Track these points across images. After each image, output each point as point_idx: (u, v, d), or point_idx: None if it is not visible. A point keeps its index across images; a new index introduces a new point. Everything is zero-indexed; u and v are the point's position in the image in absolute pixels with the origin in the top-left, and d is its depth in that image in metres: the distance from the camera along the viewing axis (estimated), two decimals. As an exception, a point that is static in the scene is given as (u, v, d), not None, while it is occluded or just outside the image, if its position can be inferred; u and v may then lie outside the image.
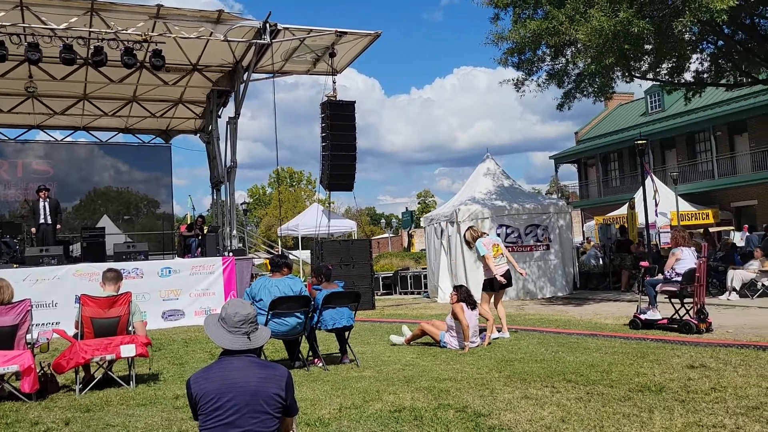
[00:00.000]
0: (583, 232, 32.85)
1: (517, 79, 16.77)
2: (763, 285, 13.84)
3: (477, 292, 9.87)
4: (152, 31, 14.42)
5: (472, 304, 8.85)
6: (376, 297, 18.19)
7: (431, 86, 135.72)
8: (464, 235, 10.39)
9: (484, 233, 10.35)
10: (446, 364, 7.58)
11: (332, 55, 16.87)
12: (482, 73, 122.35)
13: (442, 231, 18.12)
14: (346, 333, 8.24)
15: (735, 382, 5.79)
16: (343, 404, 5.67)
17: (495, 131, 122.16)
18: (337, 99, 16.77)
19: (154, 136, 22.68)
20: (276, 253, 22.45)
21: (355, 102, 16.88)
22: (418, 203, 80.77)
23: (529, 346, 8.59)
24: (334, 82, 17.00)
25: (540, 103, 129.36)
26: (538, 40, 14.38)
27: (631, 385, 5.88)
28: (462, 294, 8.79)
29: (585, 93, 16.40)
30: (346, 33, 16.21)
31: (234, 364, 2.84)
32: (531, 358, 7.63)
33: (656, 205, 21.23)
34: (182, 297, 14.38)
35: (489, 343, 8.92)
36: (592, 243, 24.30)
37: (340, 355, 8.29)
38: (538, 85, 16.76)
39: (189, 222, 21.14)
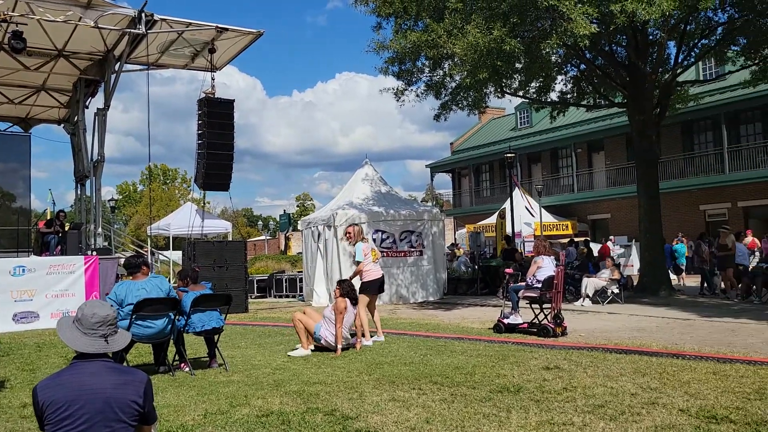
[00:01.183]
0: (455, 239, 34.06)
1: (397, 89, 17.15)
2: (612, 292, 15.00)
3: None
4: (12, 11, 13.35)
5: (354, 300, 8.92)
6: (250, 300, 17.87)
7: (313, 90, 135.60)
8: (348, 229, 10.28)
9: (365, 238, 10.43)
10: (317, 367, 7.58)
11: (212, 51, 16.42)
12: (364, 79, 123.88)
13: (319, 235, 18.13)
14: (216, 336, 8.03)
15: (584, 382, 6.24)
16: (209, 410, 5.52)
17: (375, 138, 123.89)
18: (216, 96, 16.33)
19: (11, 124, 20.97)
20: (141, 252, 21.46)
21: (234, 101, 16.54)
22: (297, 206, 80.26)
23: (399, 350, 8.78)
24: (213, 79, 16.57)
25: (419, 112, 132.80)
26: (417, 51, 14.79)
27: (492, 386, 6.17)
28: (345, 288, 8.83)
29: (460, 105, 17.06)
30: (227, 29, 15.84)
31: (88, 369, 2.66)
32: (400, 361, 7.80)
33: (532, 215, 22.48)
34: (37, 298, 13.41)
35: (361, 347, 9.02)
36: (462, 250, 25.24)
37: (208, 359, 8.06)
38: (417, 96, 17.24)
39: (48, 218, 19.72)
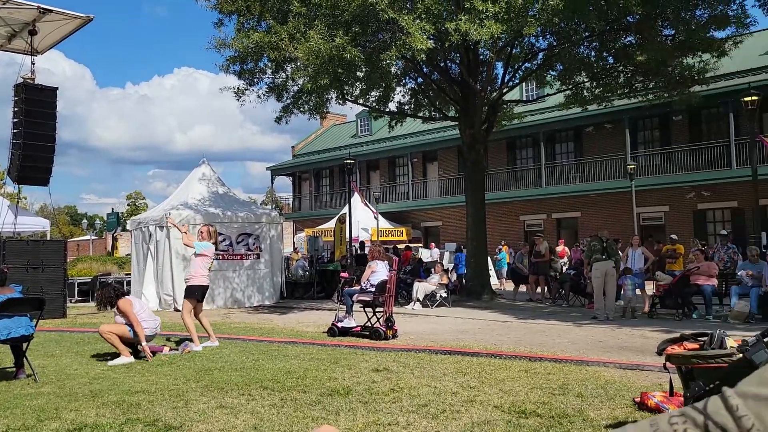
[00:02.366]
0: (294, 243, 33.98)
1: (239, 88, 16.80)
2: (441, 296, 15.78)
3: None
4: None
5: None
6: (70, 304, 16.54)
7: (149, 83, 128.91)
8: (203, 229, 9.75)
9: (216, 244, 9.94)
10: (140, 375, 7.20)
11: (33, 33, 15.03)
12: (204, 76, 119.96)
13: (150, 235, 17.22)
14: (24, 344, 7.34)
15: (410, 383, 6.50)
16: (11, 426, 5.03)
17: (215, 137, 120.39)
18: (36, 83, 14.97)
19: None
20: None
21: (57, 88, 15.24)
22: (128, 205, 75.64)
23: (231, 355, 8.58)
24: (33, 63, 15.14)
25: (261, 114, 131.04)
26: (260, 52, 14.61)
27: (323, 389, 6.23)
28: (110, 291, 8.47)
29: (302, 109, 17.09)
30: (51, 11, 14.59)
31: None
32: (231, 367, 7.63)
33: (376, 218, 22.90)
34: None
35: (189, 352, 8.70)
36: (300, 254, 25.24)
37: (15, 369, 7.34)
38: (259, 97, 17.01)
39: None
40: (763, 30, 24.94)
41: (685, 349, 3.90)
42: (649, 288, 14.20)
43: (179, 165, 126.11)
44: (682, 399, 4.41)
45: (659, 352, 3.99)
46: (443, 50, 15.98)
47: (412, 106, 20.03)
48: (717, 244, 15.96)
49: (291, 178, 43.22)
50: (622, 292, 13.50)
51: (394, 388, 6.25)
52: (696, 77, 16.78)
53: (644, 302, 13.69)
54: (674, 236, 17.11)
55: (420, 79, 19.06)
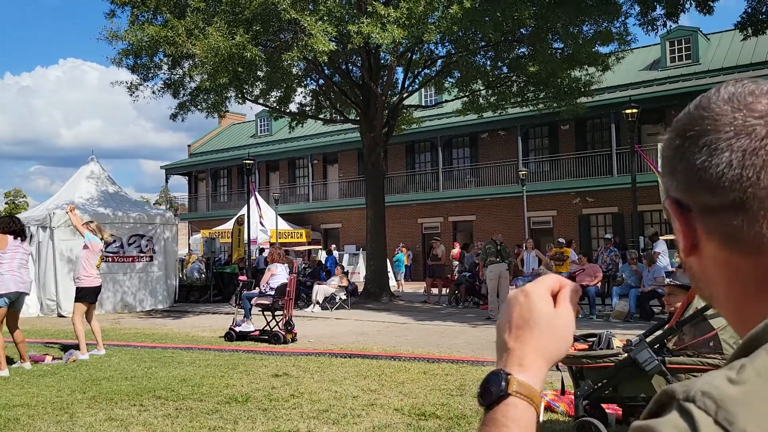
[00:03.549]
0: (189, 244, 32.93)
1: (132, 83, 16.08)
2: (340, 298, 15.79)
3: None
4: None
5: None
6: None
7: (31, 74, 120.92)
8: (93, 224, 9.14)
9: (105, 240, 9.31)
10: (20, 388, 6.72)
11: None
12: (93, 68, 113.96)
13: (31, 237, 16.10)
14: None
15: (311, 387, 6.45)
16: None
17: (105, 133, 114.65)
18: None
19: None
20: None
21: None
22: (6, 203, 70.48)
23: (120, 363, 8.18)
24: None
25: (155, 110, 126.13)
26: (155, 46, 14.06)
27: (220, 397, 6.07)
28: None
29: (199, 107, 16.60)
30: None
31: None
32: (121, 376, 7.27)
33: (262, 224, 22.55)
34: None
35: (74, 360, 8.22)
36: (195, 256, 24.49)
37: None
38: (153, 92, 16.37)
39: None
40: (643, 47, 26.77)
41: (575, 349, 4.10)
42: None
43: (65, 162, 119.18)
44: (573, 397, 4.63)
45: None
46: (345, 53, 16.02)
47: (314, 107, 19.94)
48: (600, 248, 16.93)
49: (187, 178, 41.84)
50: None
51: (294, 393, 6.19)
52: (582, 89, 17.73)
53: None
54: (562, 240, 18.02)
55: (321, 81, 19.01)
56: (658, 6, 14.52)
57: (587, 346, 4.13)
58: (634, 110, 15.30)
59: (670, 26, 16.54)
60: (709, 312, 3.70)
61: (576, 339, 4.30)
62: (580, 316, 11.94)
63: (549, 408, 5.10)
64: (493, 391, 0.73)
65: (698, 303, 3.74)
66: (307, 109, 20.08)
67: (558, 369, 4.39)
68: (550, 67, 15.82)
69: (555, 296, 0.80)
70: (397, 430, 4.78)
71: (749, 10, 14.10)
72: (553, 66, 15.90)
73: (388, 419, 5.13)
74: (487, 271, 13.41)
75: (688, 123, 0.68)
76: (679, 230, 0.70)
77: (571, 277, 13.77)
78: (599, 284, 13.89)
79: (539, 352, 0.76)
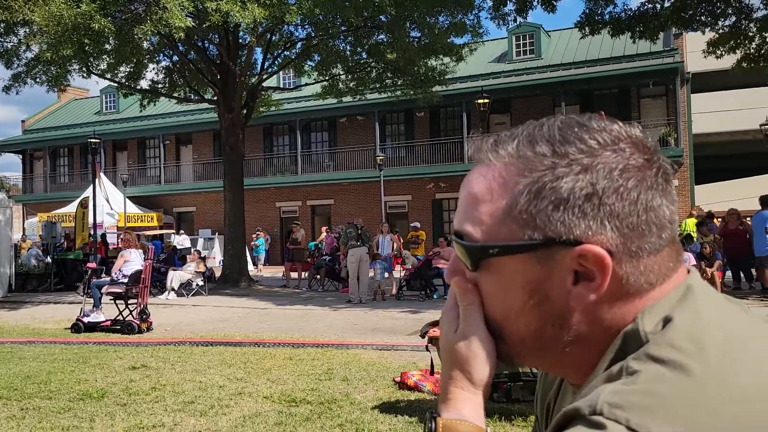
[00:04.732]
0: (24, 228, 30.22)
1: (-48, 48, 14.38)
2: (197, 284, 15.27)
3: None
4: None
5: None
6: None
7: None
8: None
9: None
10: None
11: None
12: None
13: None
14: None
15: (173, 379, 6.21)
16: None
17: None
18: None
19: None
20: None
21: None
22: None
23: (-51, 362, 7.38)
24: None
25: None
26: (-16, 9, 12.64)
27: (72, 393, 5.67)
28: None
29: (38, 80, 15.21)
30: None
31: None
32: (-48, 377, 6.57)
33: (110, 207, 21.18)
34: None
35: None
36: (32, 241, 22.55)
37: None
38: (-20, 61, 14.74)
39: None
40: (494, 40, 28.19)
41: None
42: (396, 272, 15.32)
43: None
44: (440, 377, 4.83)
45: (423, 335, 4.33)
46: (202, 30, 15.37)
47: (167, 85, 18.97)
48: (454, 231, 17.70)
49: (21, 156, 38.22)
50: (372, 275, 14.33)
51: (155, 386, 5.93)
52: (437, 78, 18.37)
53: (392, 285, 14.71)
54: (417, 224, 18.65)
55: (176, 58, 18.12)
56: (509, 2, 15.31)
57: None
58: (486, 100, 16.12)
59: (520, 21, 17.56)
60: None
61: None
62: (435, 296, 12.45)
63: (416, 388, 5.29)
64: None
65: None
66: (160, 86, 19.08)
67: (428, 350, 4.57)
68: (407, 55, 16.21)
69: None
70: (268, 419, 4.74)
71: (587, 11, 15.28)
72: (411, 54, 16.31)
73: (258, 407, 5.07)
74: (349, 255, 13.58)
75: None
76: None
77: (428, 259, 14.32)
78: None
79: (456, 382, 0.71)
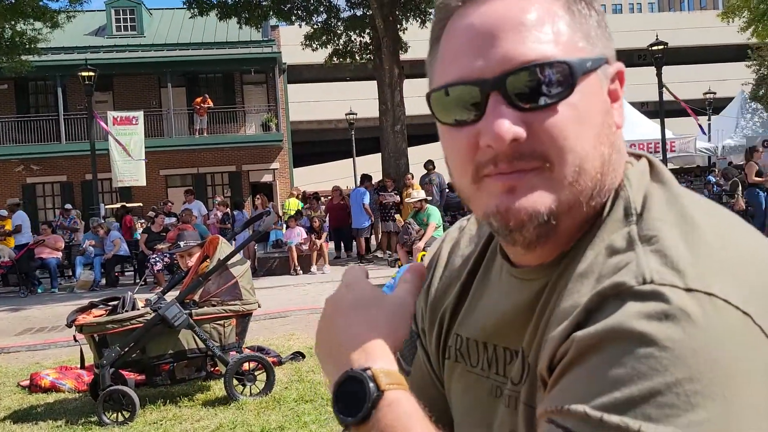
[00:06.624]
0: None
1: None
2: None
3: None
4: None
5: None
6: None
7: None
8: None
9: None
10: None
11: None
12: None
13: None
14: None
15: None
16: None
17: None
18: None
19: None
20: None
21: None
22: None
23: None
24: None
25: None
26: None
27: None
28: None
29: None
30: None
31: None
32: None
33: None
34: None
35: None
36: None
37: None
38: None
39: None
40: (96, 11, 25.97)
41: (95, 316, 3.86)
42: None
43: None
44: (82, 371, 4.38)
45: (70, 324, 3.83)
46: None
47: None
48: (59, 217, 15.98)
49: None
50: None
51: None
52: (28, 45, 16.16)
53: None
54: (3, 212, 16.22)
55: None
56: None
57: (107, 312, 3.93)
58: (91, 73, 14.83)
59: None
60: (231, 261, 3.99)
61: (95, 305, 4.04)
62: (40, 290, 11.13)
63: (54, 388, 4.64)
64: (362, 398, 0.55)
65: (220, 255, 4.00)
66: None
67: (76, 341, 4.03)
68: (-10, 16, 13.88)
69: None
70: None
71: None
72: (-5, 14, 14.01)
73: None
74: None
75: None
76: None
77: (29, 249, 12.62)
78: (61, 255, 13.08)
79: (378, 332, 0.61)
